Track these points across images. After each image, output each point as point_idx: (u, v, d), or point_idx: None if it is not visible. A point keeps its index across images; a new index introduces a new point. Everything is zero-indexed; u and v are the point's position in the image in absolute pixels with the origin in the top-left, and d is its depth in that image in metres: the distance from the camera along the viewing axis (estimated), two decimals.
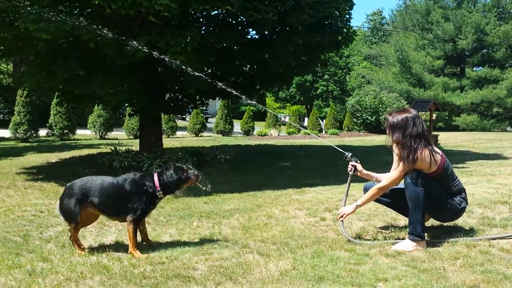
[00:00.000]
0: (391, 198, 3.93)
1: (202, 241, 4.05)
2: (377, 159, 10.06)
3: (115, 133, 19.13)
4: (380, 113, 26.15)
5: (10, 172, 8.70)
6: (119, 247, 3.98)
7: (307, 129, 25.55)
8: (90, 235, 4.42)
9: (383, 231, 4.09)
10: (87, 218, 4.01)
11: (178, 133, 21.60)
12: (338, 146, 4.30)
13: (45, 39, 6.87)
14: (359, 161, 4.05)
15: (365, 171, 4.01)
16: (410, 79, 34.81)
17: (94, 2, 6.01)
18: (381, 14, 65.45)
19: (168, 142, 13.75)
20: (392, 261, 3.28)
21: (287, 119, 31.20)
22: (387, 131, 3.71)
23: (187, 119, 25.67)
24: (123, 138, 17.97)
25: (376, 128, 25.93)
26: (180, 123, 24.96)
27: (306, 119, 30.96)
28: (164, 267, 3.34)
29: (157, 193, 3.76)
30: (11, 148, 13.47)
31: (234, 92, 7.27)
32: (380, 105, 26.42)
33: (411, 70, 33.95)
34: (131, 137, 18.51)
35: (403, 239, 3.66)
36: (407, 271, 3.06)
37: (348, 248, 3.60)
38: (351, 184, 4.18)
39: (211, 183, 7.34)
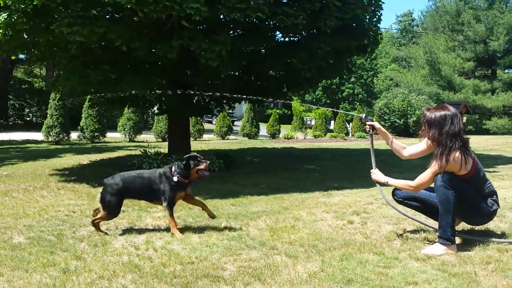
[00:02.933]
0: (421, 202, 3.89)
1: (230, 242, 4.09)
2: (406, 162, 9.87)
3: (144, 136, 19.47)
4: (408, 116, 25.76)
5: (44, 173, 8.97)
6: (149, 247, 4.06)
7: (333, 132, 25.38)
8: (121, 235, 4.52)
9: (412, 235, 4.05)
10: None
11: (205, 136, 21.80)
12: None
13: (78, 42, 7.08)
14: (374, 120, 4.16)
15: (383, 129, 4.09)
16: (440, 81, 34.15)
17: (127, 6, 6.15)
18: (411, 16, 64.57)
19: (195, 145, 13.89)
20: (422, 265, 3.25)
21: (312, 122, 31.07)
22: (423, 126, 3.68)
23: (214, 122, 25.88)
24: (152, 141, 18.26)
25: (404, 131, 25.55)
26: (207, 126, 25.20)
27: (332, 122, 30.73)
28: (194, 267, 3.40)
29: (173, 177, 4.40)
30: (44, 150, 13.88)
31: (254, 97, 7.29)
32: (409, 108, 26.03)
33: (441, 73, 33.31)
34: (159, 139, 18.80)
35: (434, 243, 3.61)
36: (437, 275, 3.02)
37: (377, 251, 3.58)
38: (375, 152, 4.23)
39: (238, 186, 7.49)
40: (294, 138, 22.00)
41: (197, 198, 5.01)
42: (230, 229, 4.64)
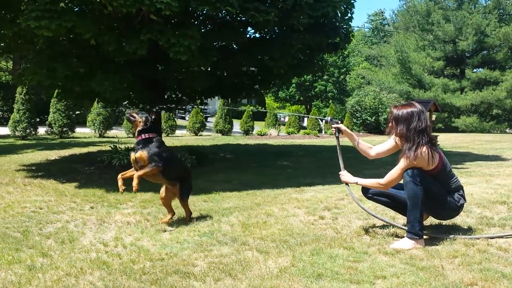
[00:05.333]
0: (390, 197, 3.95)
1: (202, 238, 4.06)
2: (376, 159, 10.04)
3: (115, 132, 19.14)
4: (379, 114, 26.19)
5: (10, 169, 8.70)
6: (118, 243, 3.99)
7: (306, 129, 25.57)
8: (90, 231, 4.43)
9: (382, 230, 4.11)
10: None
11: (178, 132, 21.60)
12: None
13: (46, 36, 6.87)
14: (340, 122, 4.21)
15: (349, 131, 4.13)
16: (410, 80, 34.84)
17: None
18: (382, 15, 65.56)
19: (167, 141, 13.68)
20: (391, 259, 3.29)
21: (286, 119, 31.21)
22: (390, 123, 3.73)
23: (187, 118, 25.67)
24: (123, 136, 17.95)
25: (375, 128, 25.97)
26: (179, 122, 24.97)
27: (305, 119, 30.96)
28: (164, 263, 3.36)
29: None
30: (10, 146, 13.46)
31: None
32: (380, 105, 26.47)
33: (411, 71, 33.99)
34: (130, 135, 18.49)
35: (402, 237, 3.68)
36: (405, 269, 3.07)
37: (347, 246, 3.62)
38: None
39: (210, 182, 7.44)
40: (268, 135, 22.06)
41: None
42: (202, 225, 4.61)
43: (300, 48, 8.70)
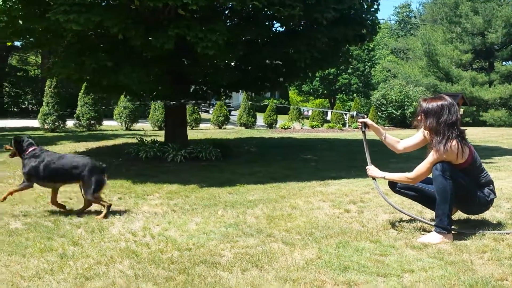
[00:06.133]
0: (417, 191, 3.91)
1: (228, 229, 4.10)
2: (403, 153, 9.91)
3: (141, 125, 19.41)
4: (405, 108, 25.78)
5: None
6: (146, 233, 4.07)
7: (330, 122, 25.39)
8: (118, 221, 4.53)
9: (408, 224, 4.07)
10: None
11: (202, 126, 21.76)
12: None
13: (75, 30, 7.00)
14: (366, 116, 4.18)
15: (375, 125, 4.08)
16: (437, 73, 34.14)
17: None
18: (409, 7, 64.31)
19: (192, 134, 13.89)
20: (418, 253, 3.27)
21: (310, 113, 31.05)
22: (419, 117, 3.68)
23: (211, 112, 25.82)
24: (148, 129, 18.22)
25: (401, 122, 25.59)
26: (203, 115, 25.15)
27: (329, 113, 30.76)
28: (191, 253, 3.41)
29: None
30: (40, 138, 13.82)
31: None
32: (406, 99, 26.05)
33: (438, 64, 33.28)
34: (156, 128, 18.75)
35: (430, 232, 3.64)
36: (433, 263, 3.04)
37: (373, 239, 3.60)
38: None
39: (235, 174, 7.50)
40: (291, 128, 21.99)
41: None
42: (227, 216, 4.65)
43: (325, 41, 8.66)
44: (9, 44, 9.14)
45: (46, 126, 16.37)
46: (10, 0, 6.96)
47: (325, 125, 24.46)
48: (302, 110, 29.04)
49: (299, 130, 21.85)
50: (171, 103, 9.13)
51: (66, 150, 10.53)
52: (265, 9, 8.13)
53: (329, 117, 29.09)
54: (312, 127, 23.37)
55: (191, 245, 3.63)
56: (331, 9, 7.91)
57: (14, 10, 7.06)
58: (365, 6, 9.38)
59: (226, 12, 9.34)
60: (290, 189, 6.23)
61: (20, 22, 7.45)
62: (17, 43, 17.73)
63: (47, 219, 4.64)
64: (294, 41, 8.82)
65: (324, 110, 31.18)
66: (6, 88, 27.49)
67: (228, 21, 9.41)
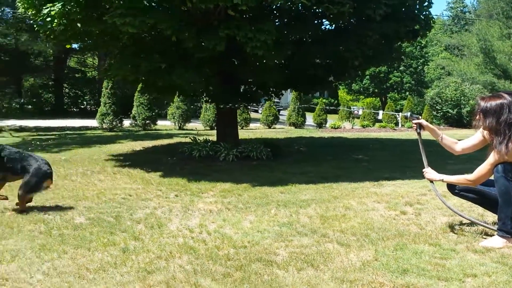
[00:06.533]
0: (478, 193, 3.77)
1: (281, 228, 4.14)
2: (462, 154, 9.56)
3: (192, 124, 19.86)
4: (462, 106, 24.77)
5: (100, 158, 9.36)
6: (203, 230, 4.17)
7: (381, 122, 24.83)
8: (176, 218, 4.67)
9: (469, 227, 3.93)
10: None
11: (251, 125, 21.93)
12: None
13: (130, 33, 7.25)
14: (420, 117, 4.10)
15: (431, 126, 4.00)
16: (495, 70, 32.47)
17: None
18: (463, 2, 61.64)
19: (242, 133, 14.03)
20: (481, 257, 3.16)
21: (360, 112, 30.52)
22: (477, 116, 3.55)
23: (260, 111, 25.96)
24: (200, 128, 18.62)
25: (457, 122, 24.60)
26: (253, 115, 25.33)
27: (380, 112, 30.09)
28: (247, 251, 3.47)
29: None
30: (99, 137, 14.47)
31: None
32: (462, 97, 25.01)
33: (496, 61, 31.65)
34: (207, 128, 19.11)
35: (492, 235, 3.50)
36: (497, 268, 2.93)
37: (432, 242, 3.51)
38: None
39: (286, 174, 7.53)
40: (342, 128, 21.71)
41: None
42: (280, 216, 4.69)
43: (376, 38, 8.49)
44: (68, 46, 9.57)
45: (104, 126, 17.12)
46: (69, 4, 7.27)
47: (377, 124, 23.95)
48: (352, 109, 28.58)
49: (350, 129, 21.53)
50: (222, 106, 9.30)
51: (124, 149, 10.98)
52: (314, 7, 8.08)
53: (380, 116, 28.45)
54: (363, 126, 22.95)
55: (246, 243, 3.69)
56: (382, 4, 7.74)
57: (73, 14, 7.36)
58: (418, 1, 9.09)
59: (274, 11, 9.36)
60: (342, 189, 6.17)
61: (79, 25, 7.77)
62: (75, 46, 18.55)
63: (109, 214, 4.86)
64: (343, 39, 8.70)
65: (375, 109, 30.48)
66: (66, 89, 28.96)
67: (277, 20, 9.43)
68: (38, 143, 12.50)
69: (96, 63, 30.06)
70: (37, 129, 17.61)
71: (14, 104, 24.31)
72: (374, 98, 42.52)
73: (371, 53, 8.88)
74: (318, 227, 4.15)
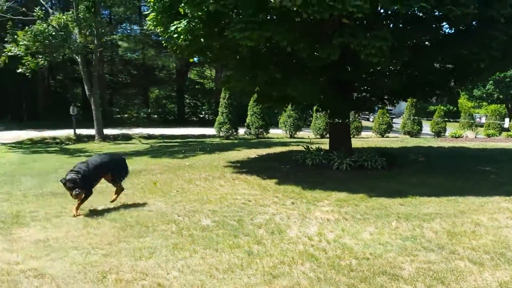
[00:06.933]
0: None
1: (405, 242, 4.01)
2: None
3: (303, 133, 20.03)
4: None
5: (219, 165, 9.90)
6: (322, 239, 4.21)
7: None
8: (294, 224, 4.78)
9: None
10: None
11: (363, 133, 21.42)
12: None
13: (249, 46, 7.58)
14: None
15: None
16: None
17: (292, 8, 6.38)
18: None
19: (353, 142, 13.72)
20: None
21: (483, 120, 28.12)
22: None
23: (371, 119, 25.25)
24: (311, 137, 18.69)
25: None
26: (364, 123, 24.72)
27: (507, 120, 27.37)
28: (370, 263, 3.44)
29: None
30: (217, 144, 15.29)
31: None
32: None
33: None
34: (318, 136, 19.13)
35: None
36: None
37: None
38: None
39: (403, 185, 7.24)
40: (463, 137, 20.18)
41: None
42: (402, 229, 4.54)
43: (503, 40, 7.78)
44: (191, 60, 10.29)
45: (221, 134, 18.08)
46: (193, 21, 7.84)
47: (503, 133, 21.83)
48: (474, 117, 26.44)
49: (472, 139, 19.92)
50: (334, 116, 9.26)
51: (240, 156, 11.47)
52: (434, 10, 7.67)
53: (506, 125, 25.87)
54: (488, 135, 21.09)
55: (368, 255, 3.65)
56: (508, 5, 7.10)
57: (197, 30, 7.93)
58: None
59: (390, 17, 9.08)
60: (469, 203, 5.76)
61: (202, 40, 8.34)
62: (196, 59, 19.92)
63: (231, 218, 5.14)
64: (465, 42, 8.12)
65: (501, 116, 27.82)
66: (187, 99, 31.13)
67: (392, 25, 9.12)
68: (165, 150, 13.62)
69: (214, 75, 31.82)
70: (162, 136, 19.18)
71: (142, 113, 26.76)
72: (499, 105, 38.81)
73: (498, 55, 8.17)
74: (445, 243, 3.94)
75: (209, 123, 23.46)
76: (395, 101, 11.22)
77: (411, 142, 17.29)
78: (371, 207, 5.70)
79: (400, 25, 9.14)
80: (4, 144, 15.41)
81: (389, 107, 21.45)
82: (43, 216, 5.23)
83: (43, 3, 18.46)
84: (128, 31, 29.37)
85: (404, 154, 11.90)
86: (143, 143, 16.26)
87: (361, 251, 3.76)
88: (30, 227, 4.75)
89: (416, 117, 21.40)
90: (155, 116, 27.63)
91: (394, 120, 28.24)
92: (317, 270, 3.33)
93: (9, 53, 14.71)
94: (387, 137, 20.89)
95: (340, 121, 9.81)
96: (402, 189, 6.90)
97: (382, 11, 8.28)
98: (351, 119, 19.27)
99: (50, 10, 17.06)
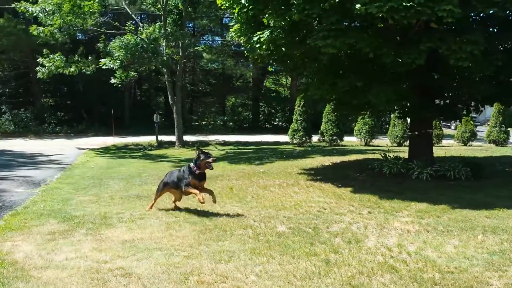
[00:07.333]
0: None
1: (492, 257, 3.79)
2: None
3: (379, 141, 19.49)
4: None
5: (293, 172, 9.94)
6: (402, 250, 4.10)
7: None
8: (372, 235, 4.69)
9: None
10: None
11: (444, 142, 20.36)
12: None
13: (330, 53, 7.56)
14: None
15: None
16: None
17: (378, 15, 6.28)
18: None
19: (434, 151, 13.16)
20: None
21: None
22: None
23: (452, 127, 23.95)
24: (386, 146, 18.13)
25: None
26: (445, 131, 23.51)
27: None
28: (454, 277, 3.30)
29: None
30: (291, 151, 15.35)
31: None
32: None
33: None
34: (394, 144, 18.49)
35: None
36: None
37: None
38: None
39: (490, 196, 6.81)
40: None
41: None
42: (489, 242, 4.28)
43: None
44: (270, 69, 10.50)
45: (294, 141, 18.11)
46: (276, 31, 7.99)
47: None
48: None
49: None
50: (416, 133, 8.96)
51: (314, 164, 11.42)
52: None
53: None
54: None
55: (453, 269, 3.50)
56: None
57: (278, 39, 8.09)
58: None
59: (481, 20, 8.61)
60: None
61: (283, 49, 8.46)
62: (273, 68, 20.21)
63: (307, 225, 5.15)
64: None
65: None
66: (262, 107, 31.57)
67: (483, 29, 8.64)
68: (240, 156, 13.94)
69: (289, 83, 31.97)
70: (237, 143, 19.63)
71: (218, 121, 27.55)
72: None
73: None
74: None
75: (282, 131, 23.58)
76: (482, 108, 10.61)
77: (497, 151, 16.18)
78: (455, 219, 5.43)
79: (494, 29, 8.67)
80: (92, 149, 16.62)
81: (473, 114, 20.27)
82: (128, 217, 5.58)
83: (134, 17, 19.76)
84: (210, 42, 30.57)
85: (490, 164, 11.18)
86: (219, 150, 16.74)
87: (445, 265, 3.61)
88: (117, 228, 5.09)
89: (503, 125, 19.98)
90: (231, 123, 28.31)
91: (478, 128, 26.56)
92: (398, 282, 3.25)
93: (104, 67, 15.89)
94: (471, 145, 19.70)
95: (421, 128, 9.44)
96: (488, 201, 6.51)
97: (472, 14, 7.89)
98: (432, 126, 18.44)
99: (141, 24, 18.19)
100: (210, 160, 5.62)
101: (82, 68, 16.24)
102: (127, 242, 4.54)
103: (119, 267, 3.82)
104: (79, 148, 16.93)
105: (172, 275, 3.61)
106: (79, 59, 16.25)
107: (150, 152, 15.96)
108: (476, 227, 4.94)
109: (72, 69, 15.89)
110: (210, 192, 5.70)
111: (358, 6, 6.25)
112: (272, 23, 8.22)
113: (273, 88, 34.89)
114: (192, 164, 5.69)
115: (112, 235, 4.82)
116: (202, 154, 5.66)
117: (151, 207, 6.08)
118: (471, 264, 3.58)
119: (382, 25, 7.73)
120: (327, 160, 12.07)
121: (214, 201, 5.65)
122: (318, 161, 11.98)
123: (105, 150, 16.69)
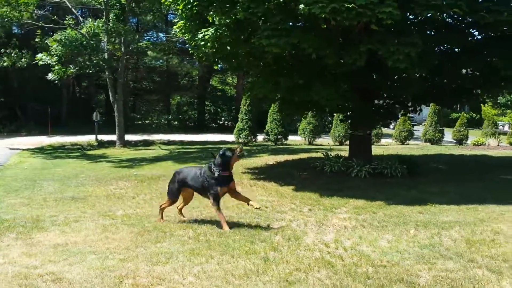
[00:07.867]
0: None
1: (423, 250, 3.97)
2: None
3: (322, 140, 19.94)
4: None
5: (237, 171, 9.91)
6: (338, 246, 4.20)
7: None
8: (311, 231, 4.77)
9: None
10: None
11: (383, 141, 21.19)
12: None
13: (274, 53, 7.61)
14: None
15: None
16: None
17: (321, 15, 6.38)
18: None
19: (373, 149, 13.60)
20: None
21: (506, 128, 27.56)
22: None
23: (391, 126, 24.95)
24: (328, 144, 18.59)
25: None
26: (384, 130, 24.46)
27: None
28: (387, 270, 3.41)
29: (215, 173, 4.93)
30: None
31: None
32: None
33: None
34: (336, 143, 18.99)
35: None
36: None
37: None
38: None
39: (424, 193, 7.15)
40: (485, 145, 19.79)
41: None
42: (420, 237, 4.49)
43: None
44: (215, 67, 10.41)
45: (240, 140, 18.14)
46: (221, 28, 7.94)
47: None
48: (498, 124, 25.90)
49: (495, 147, 19.49)
50: (356, 132, 9.24)
51: (258, 163, 11.48)
52: (466, 17, 7.60)
53: None
54: (511, 144, 20.62)
55: (385, 262, 3.63)
56: None
57: (224, 37, 8.04)
58: None
59: (419, 24, 9.00)
60: (489, 212, 5.66)
61: (228, 47, 8.43)
62: (219, 66, 20.09)
63: (248, 224, 5.16)
64: (496, 49, 8.00)
65: None
66: (207, 106, 31.35)
67: (420, 32, 9.05)
68: (184, 156, 13.74)
69: (235, 82, 31.94)
70: (182, 142, 19.36)
71: (162, 120, 27.06)
72: None
73: None
74: (464, 251, 3.88)
75: (228, 130, 23.54)
76: (419, 108, 11.10)
77: (432, 149, 17.03)
78: (389, 214, 5.65)
79: (431, 32, 9.06)
80: (26, 149, 15.78)
81: (411, 114, 21.24)
82: (62, 220, 5.34)
83: (74, 11, 18.93)
84: (154, 38, 29.85)
85: (424, 162, 11.74)
86: (163, 149, 16.45)
87: (378, 259, 3.73)
88: (50, 232, 4.86)
89: (438, 124, 21.10)
90: (176, 122, 27.88)
91: (415, 128, 27.85)
92: (333, 277, 3.32)
93: (40, 62, 15.09)
94: (408, 144, 20.63)
95: (363, 130, 9.71)
96: (422, 197, 6.83)
97: (411, 17, 8.21)
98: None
99: (81, 19, 17.46)
100: (237, 150, 5.20)
101: (16, 61, 15.36)
102: (59, 246, 4.33)
103: (49, 272, 3.63)
104: (12, 149, 16.01)
105: (106, 279, 3.48)
106: (12, 51, 15.36)
107: (89, 152, 15.38)
108: (409, 222, 5.16)
109: (5, 64, 15.01)
110: (246, 200, 5.07)
111: (301, 6, 6.34)
112: (217, 20, 8.15)
113: (219, 87, 34.76)
114: (214, 168, 5.00)
115: (44, 239, 4.59)
116: (228, 150, 5.14)
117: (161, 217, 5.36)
118: (402, 258, 3.73)
119: (325, 26, 7.88)
120: (271, 159, 12.18)
121: (258, 207, 5.10)
122: (263, 160, 12.06)
123: (41, 150, 15.91)
